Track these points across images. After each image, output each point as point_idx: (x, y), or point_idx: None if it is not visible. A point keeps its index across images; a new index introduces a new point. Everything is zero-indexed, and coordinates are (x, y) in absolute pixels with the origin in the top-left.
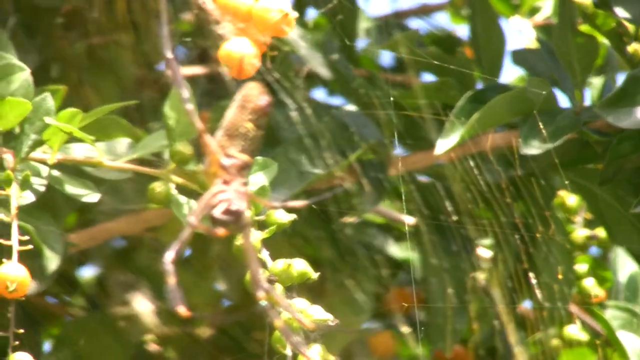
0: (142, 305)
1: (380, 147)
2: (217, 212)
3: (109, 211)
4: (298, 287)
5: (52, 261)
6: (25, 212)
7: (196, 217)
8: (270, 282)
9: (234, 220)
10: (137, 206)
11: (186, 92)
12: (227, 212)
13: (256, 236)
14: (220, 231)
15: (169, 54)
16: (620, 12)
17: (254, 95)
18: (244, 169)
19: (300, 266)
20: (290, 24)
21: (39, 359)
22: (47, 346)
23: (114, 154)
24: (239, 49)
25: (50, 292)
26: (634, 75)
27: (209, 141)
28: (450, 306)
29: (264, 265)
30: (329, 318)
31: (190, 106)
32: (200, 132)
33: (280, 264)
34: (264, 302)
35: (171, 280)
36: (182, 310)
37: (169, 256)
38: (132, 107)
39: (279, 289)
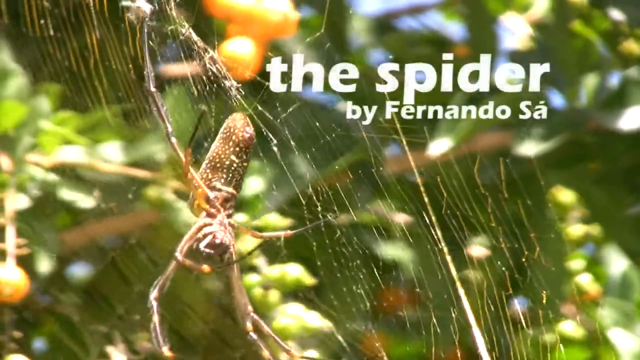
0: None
1: (373, 146)
2: (202, 245)
3: (103, 210)
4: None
5: (45, 263)
6: (19, 213)
7: (181, 251)
8: (266, 288)
9: (219, 252)
10: (132, 205)
11: (169, 126)
12: (212, 245)
13: (262, 242)
14: (205, 267)
15: (152, 88)
16: (614, 12)
17: (239, 127)
18: (229, 202)
19: (295, 272)
20: (291, 25)
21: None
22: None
23: (109, 157)
24: (240, 50)
25: (43, 290)
26: (628, 76)
27: (193, 174)
28: (444, 306)
29: (258, 270)
30: (324, 325)
31: (173, 140)
32: (185, 166)
33: (275, 271)
34: (252, 334)
35: (155, 318)
36: (165, 351)
37: (153, 294)
38: (126, 106)
39: (274, 294)
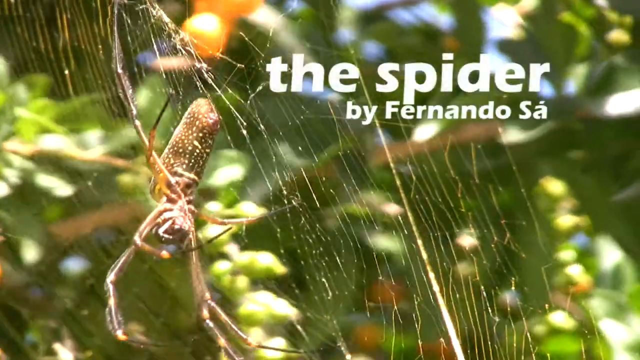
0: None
1: (363, 136)
2: (161, 231)
3: (94, 202)
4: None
5: (31, 252)
6: (3, 202)
7: (140, 235)
8: (235, 274)
9: (178, 238)
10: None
11: (134, 109)
12: (171, 230)
13: (224, 230)
14: (164, 253)
15: (119, 69)
16: (600, 0)
17: (203, 112)
18: (190, 188)
19: (265, 260)
20: (256, 3)
21: (20, 351)
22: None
23: (87, 146)
24: (204, 27)
25: (35, 284)
26: (613, 63)
27: (155, 158)
28: (434, 297)
29: (229, 257)
30: (290, 313)
31: (137, 122)
32: (147, 150)
33: (245, 257)
34: (209, 322)
35: (111, 302)
36: (120, 335)
37: (110, 277)
38: (112, 97)
39: (243, 281)
